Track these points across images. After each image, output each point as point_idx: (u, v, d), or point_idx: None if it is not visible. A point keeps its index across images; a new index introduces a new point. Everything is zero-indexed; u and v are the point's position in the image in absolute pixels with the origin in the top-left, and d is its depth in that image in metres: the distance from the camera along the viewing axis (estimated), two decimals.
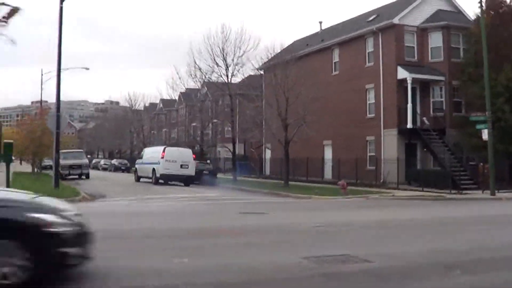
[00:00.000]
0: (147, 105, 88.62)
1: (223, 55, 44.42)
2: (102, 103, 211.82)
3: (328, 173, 43.74)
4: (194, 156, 40.96)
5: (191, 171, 38.45)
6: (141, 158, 43.07)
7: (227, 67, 44.94)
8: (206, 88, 73.79)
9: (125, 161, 73.48)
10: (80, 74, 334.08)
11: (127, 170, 67.11)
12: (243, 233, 13.58)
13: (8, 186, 23.45)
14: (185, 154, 39.40)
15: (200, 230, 14.20)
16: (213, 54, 44.64)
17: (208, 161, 54.92)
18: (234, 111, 47.84)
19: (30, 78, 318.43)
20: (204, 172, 41.44)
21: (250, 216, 18.30)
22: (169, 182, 37.25)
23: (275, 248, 11.37)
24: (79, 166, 41.83)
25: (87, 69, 56.49)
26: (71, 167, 41.20)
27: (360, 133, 40.82)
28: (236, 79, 52.38)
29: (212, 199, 26.73)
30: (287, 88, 36.52)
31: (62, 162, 40.80)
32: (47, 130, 32.80)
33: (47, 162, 47.55)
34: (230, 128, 59.29)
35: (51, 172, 30.29)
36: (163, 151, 38.76)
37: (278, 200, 27.82)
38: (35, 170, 45.51)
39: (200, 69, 46.70)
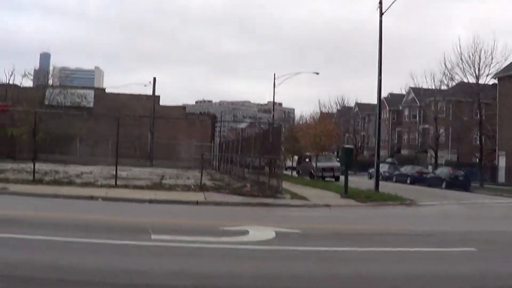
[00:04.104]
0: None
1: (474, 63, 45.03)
2: (265, 104, 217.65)
3: None
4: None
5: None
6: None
7: (477, 75, 45.17)
8: (412, 93, 73.93)
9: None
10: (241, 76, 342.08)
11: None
12: None
13: (346, 190, 25.13)
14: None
15: None
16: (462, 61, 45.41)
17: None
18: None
19: (190, 77, 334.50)
20: (459, 178, 41.57)
21: None
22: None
23: None
24: (331, 169, 43.38)
25: (317, 73, 58.04)
26: (324, 169, 42.93)
27: None
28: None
29: None
30: None
31: (315, 164, 43.04)
32: (330, 134, 34.59)
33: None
34: (442, 133, 59.18)
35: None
36: None
37: None
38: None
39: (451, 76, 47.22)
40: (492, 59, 45.23)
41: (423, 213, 21.61)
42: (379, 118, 27.82)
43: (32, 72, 59.44)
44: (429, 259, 10.00)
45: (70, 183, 23.35)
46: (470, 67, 45.54)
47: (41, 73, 64.75)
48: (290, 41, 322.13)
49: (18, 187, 20.91)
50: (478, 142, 56.60)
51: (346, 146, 26.53)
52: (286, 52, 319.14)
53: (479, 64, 45.14)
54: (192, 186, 23.75)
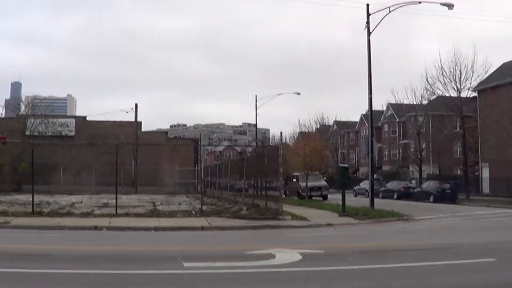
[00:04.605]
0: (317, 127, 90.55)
1: (455, 78, 45.84)
2: (240, 126, 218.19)
3: None
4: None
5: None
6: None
7: (459, 89, 45.92)
8: (391, 109, 74.83)
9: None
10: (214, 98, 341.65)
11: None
12: None
13: (344, 208, 25.39)
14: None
15: None
16: (444, 76, 46.31)
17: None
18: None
19: (163, 102, 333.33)
20: (447, 191, 42.08)
21: None
22: None
23: None
24: (319, 188, 43.65)
25: (299, 94, 58.83)
26: (311, 189, 43.08)
27: None
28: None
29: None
30: None
31: (302, 184, 43.19)
32: (319, 154, 34.78)
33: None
34: (423, 148, 60.01)
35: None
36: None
37: None
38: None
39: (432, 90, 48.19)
40: (472, 72, 45.88)
41: (426, 227, 21.88)
42: (372, 136, 28.18)
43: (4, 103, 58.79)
44: (464, 270, 10.29)
45: (70, 214, 23.15)
46: (451, 81, 46.17)
47: (14, 103, 63.85)
48: (264, 62, 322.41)
49: (19, 220, 20.70)
50: (459, 154, 57.53)
51: (341, 165, 26.81)
52: (259, 73, 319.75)
53: (460, 78, 45.81)
54: (193, 212, 23.72)
